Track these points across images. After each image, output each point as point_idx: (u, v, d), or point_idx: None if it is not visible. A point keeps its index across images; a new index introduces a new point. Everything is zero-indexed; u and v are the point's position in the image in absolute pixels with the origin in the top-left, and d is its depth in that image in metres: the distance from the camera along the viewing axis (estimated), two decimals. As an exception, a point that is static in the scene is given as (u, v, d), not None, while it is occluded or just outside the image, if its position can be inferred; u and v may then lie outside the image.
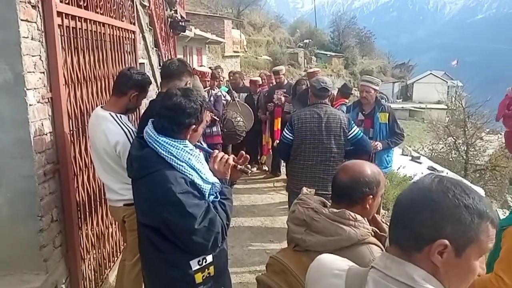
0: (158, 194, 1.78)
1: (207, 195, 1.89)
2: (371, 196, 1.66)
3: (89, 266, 3.20)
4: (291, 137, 3.70)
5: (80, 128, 3.09)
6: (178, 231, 1.80)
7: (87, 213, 3.18)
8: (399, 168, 9.95)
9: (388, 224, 1.08)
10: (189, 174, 1.84)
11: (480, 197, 0.95)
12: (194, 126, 1.91)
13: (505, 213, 18.75)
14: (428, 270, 0.95)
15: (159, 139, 1.85)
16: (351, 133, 3.71)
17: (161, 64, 3.11)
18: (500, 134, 20.51)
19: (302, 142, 3.67)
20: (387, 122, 4.36)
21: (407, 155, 15.93)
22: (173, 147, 1.85)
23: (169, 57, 6.96)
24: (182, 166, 1.84)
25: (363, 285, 1.01)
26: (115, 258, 3.80)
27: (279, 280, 1.66)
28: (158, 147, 1.84)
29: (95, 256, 3.33)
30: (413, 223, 0.96)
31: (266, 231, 5.12)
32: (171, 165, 1.83)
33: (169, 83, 2.88)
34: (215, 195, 1.94)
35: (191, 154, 1.88)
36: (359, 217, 1.61)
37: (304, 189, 1.84)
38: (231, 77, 7.75)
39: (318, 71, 6.18)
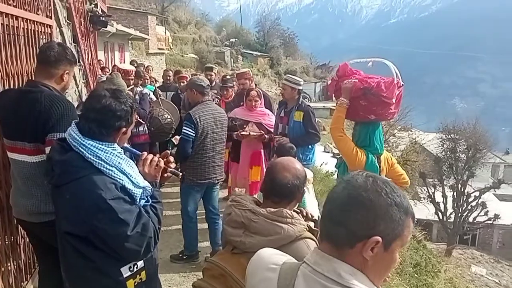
0: (86, 201, 1.68)
1: (138, 200, 1.82)
2: (304, 190, 1.77)
3: (3, 280, 2.95)
4: (193, 134, 3.97)
5: (-9, 130, 2.83)
6: (109, 239, 1.72)
7: (0, 223, 2.92)
8: (321, 164, 10.39)
9: (320, 219, 1.13)
10: (119, 179, 1.76)
11: (403, 194, 1.03)
12: (124, 128, 1.83)
13: (416, 203, 20.54)
14: (356, 264, 1.01)
15: (85, 142, 1.74)
16: None
17: (39, 49, 2.87)
18: (411, 131, 22.34)
19: (205, 137, 4.02)
20: (301, 120, 4.48)
21: (328, 152, 16.69)
22: (101, 150, 1.75)
23: (89, 54, 6.62)
24: (111, 171, 1.75)
25: (293, 279, 1.06)
26: (33, 270, 3.54)
27: (218, 284, 1.65)
28: (84, 151, 1.73)
29: (10, 268, 3.08)
30: (348, 221, 1.00)
31: (195, 232, 5.07)
32: (99, 169, 1.73)
33: (43, 70, 2.56)
34: (146, 199, 1.88)
35: (120, 158, 1.79)
36: (295, 214, 1.68)
37: (236, 190, 1.86)
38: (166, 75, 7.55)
39: (248, 71, 6.23)
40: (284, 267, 1.13)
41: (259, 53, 36.25)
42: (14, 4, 3.33)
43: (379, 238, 0.98)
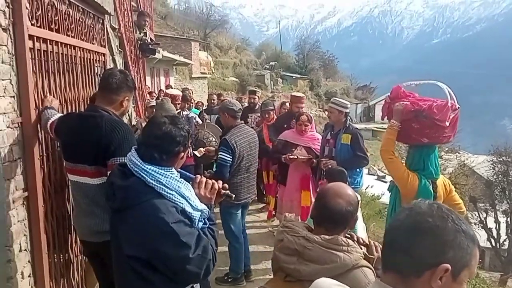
0: (150, 225, 1.72)
1: (196, 222, 1.85)
2: (357, 217, 1.72)
3: (57, 297, 3.05)
4: (231, 159, 4.02)
5: (50, 153, 2.99)
6: (171, 262, 1.74)
7: (56, 241, 3.04)
8: (367, 187, 10.14)
9: (381, 249, 1.09)
10: (180, 202, 1.79)
11: (467, 223, 1.00)
12: (182, 153, 1.89)
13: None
14: None
15: (146, 167, 1.79)
16: None
17: (101, 75, 3.00)
18: (459, 153, 21.46)
19: (241, 161, 4.11)
20: (349, 143, 4.41)
21: (373, 175, 16.28)
22: (162, 175, 1.80)
23: (139, 80, 6.90)
24: (172, 194, 1.79)
25: None
26: (85, 288, 3.64)
27: None
28: (146, 176, 1.78)
29: (63, 286, 3.18)
30: (414, 249, 0.96)
31: (239, 254, 5.05)
32: (160, 194, 1.77)
33: (105, 96, 2.68)
34: (203, 221, 1.90)
35: (179, 182, 1.84)
36: (350, 241, 1.63)
37: (287, 215, 1.84)
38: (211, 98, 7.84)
39: (304, 96, 6.25)
40: None
41: (298, 75, 36.48)
42: (73, 35, 3.54)
43: (449, 266, 0.94)
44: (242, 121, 4.40)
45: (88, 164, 2.54)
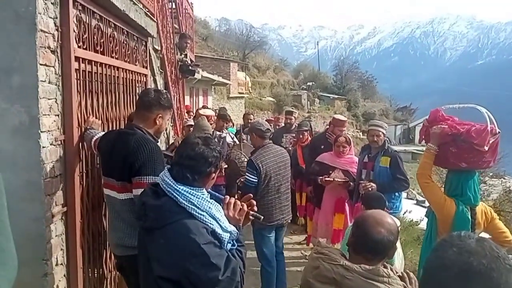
0: (180, 245, 1.73)
1: (225, 244, 1.85)
2: (396, 246, 1.66)
3: (91, 312, 3.10)
4: (256, 180, 3.97)
5: (90, 170, 3.08)
6: (200, 283, 1.74)
7: (91, 256, 3.11)
8: (405, 212, 9.76)
9: (421, 285, 1.04)
10: (210, 223, 1.80)
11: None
12: (213, 174, 1.90)
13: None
14: None
15: (179, 187, 1.81)
16: None
17: (138, 94, 3.12)
18: (504, 178, 20.38)
19: (269, 181, 4.01)
20: (388, 166, 4.30)
21: (412, 199, 15.69)
22: (193, 196, 1.81)
23: (178, 100, 7.07)
24: (203, 215, 1.79)
25: None
26: (117, 304, 3.68)
27: None
28: (178, 196, 1.80)
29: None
30: None
31: (271, 277, 4.97)
32: (192, 214, 1.78)
33: (139, 114, 2.76)
34: (232, 242, 1.90)
35: (210, 203, 1.84)
36: (391, 272, 1.57)
37: (321, 240, 1.79)
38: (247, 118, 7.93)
39: (347, 120, 6.19)
40: None
41: (336, 96, 36.27)
42: (117, 56, 3.68)
43: None
44: (271, 141, 4.35)
45: (116, 179, 2.63)
